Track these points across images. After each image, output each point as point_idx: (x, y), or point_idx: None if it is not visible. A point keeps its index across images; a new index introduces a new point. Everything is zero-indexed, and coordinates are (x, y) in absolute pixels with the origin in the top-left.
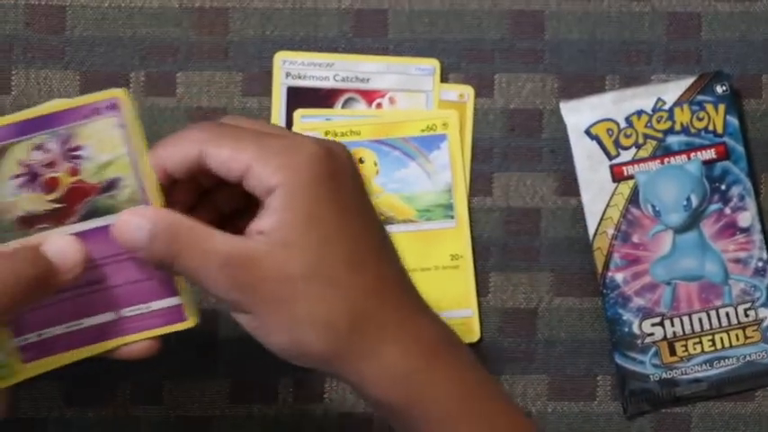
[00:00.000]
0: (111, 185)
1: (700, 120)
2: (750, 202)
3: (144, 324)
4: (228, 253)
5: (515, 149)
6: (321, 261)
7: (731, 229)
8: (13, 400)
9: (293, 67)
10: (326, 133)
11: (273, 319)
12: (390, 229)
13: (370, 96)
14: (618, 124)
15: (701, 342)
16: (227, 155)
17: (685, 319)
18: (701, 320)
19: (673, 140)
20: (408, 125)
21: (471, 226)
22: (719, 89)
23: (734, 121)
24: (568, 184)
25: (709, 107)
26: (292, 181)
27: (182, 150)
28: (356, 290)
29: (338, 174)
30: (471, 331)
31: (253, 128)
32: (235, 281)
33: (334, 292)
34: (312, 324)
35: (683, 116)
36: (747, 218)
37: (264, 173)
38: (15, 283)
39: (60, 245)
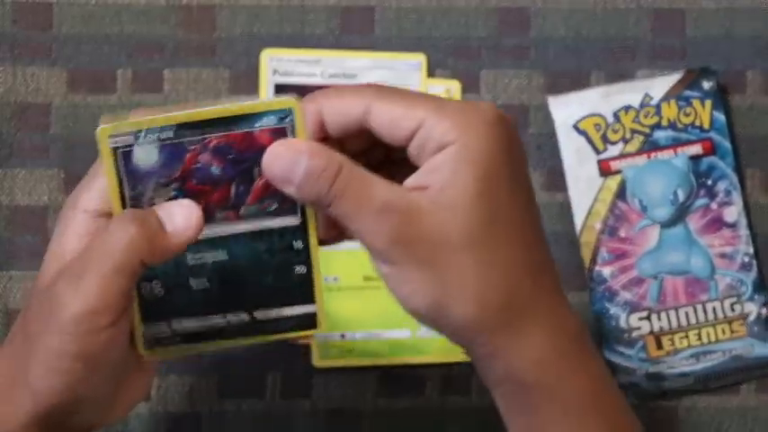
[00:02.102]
0: None
1: (686, 115)
2: (736, 197)
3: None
4: (390, 201)
5: None
6: (485, 232)
7: (717, 223)
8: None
9: (281, 64)
10: None
11: (420, 278)
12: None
13: None
14: (605, 119)
15: (687, 336)
16: (399, 112)
17: (672, 313)
18: (687, 315)
19: (660, 135)
20: None
21: None
22: (706, 85)
23: (720, 116)
24: (555, 180)
25: (696, 103)
26: (469, 140)
27: (347, 104)
28: (515, 267)
29: (512, 142)
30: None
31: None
32: (391, 231)
33: (493, 266)
34: (462, 291)
35: (669, 111)
36: (733, 213)
37: (440, 129)
38: (128, 241)
39: (172, 209)
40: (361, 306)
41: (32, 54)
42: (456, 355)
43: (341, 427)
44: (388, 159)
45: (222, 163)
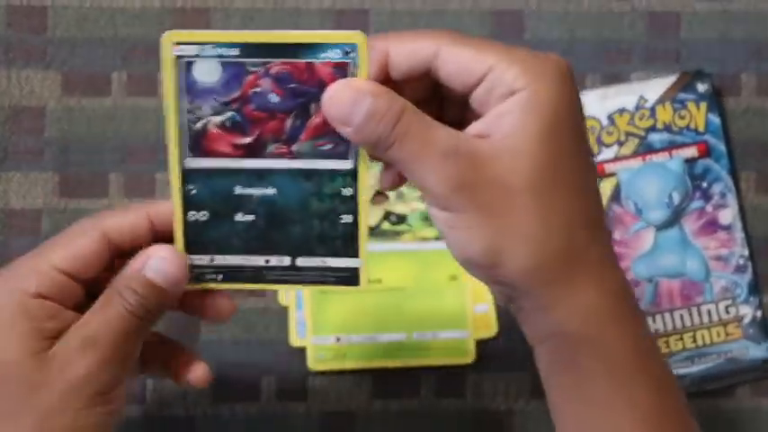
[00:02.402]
0: None
1: (681, 118)
2: (731, 200)
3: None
4: (455, 145)
5: None
6: (548, 180)
7: (713, 226)
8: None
9: None
10: None
11: (479, 223)
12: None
13: None
14: (600, 122)
15: (682, 339)
16: (469, 55)
17: (667, 315)
18: (682, 317)
19: (655, 138)
20: None
21: None
22: (701, 87)
23: (715, 119)
24: None
25: (691, 105)
26: (539, 88)
27: (418, 45)
28: (574, 217)
29: (577, 94)
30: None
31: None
32: (456, 175)
33: (554, 214)
34: (523, 238)
35: (664, 114)
36: (728, 215)
37: (510, 74)
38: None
39: (159, 267)
40: (357, 309)
41: (27, 57)
42: (451, 357)
43: (336, 429)
44: (440, 119)
45: (282, 92)
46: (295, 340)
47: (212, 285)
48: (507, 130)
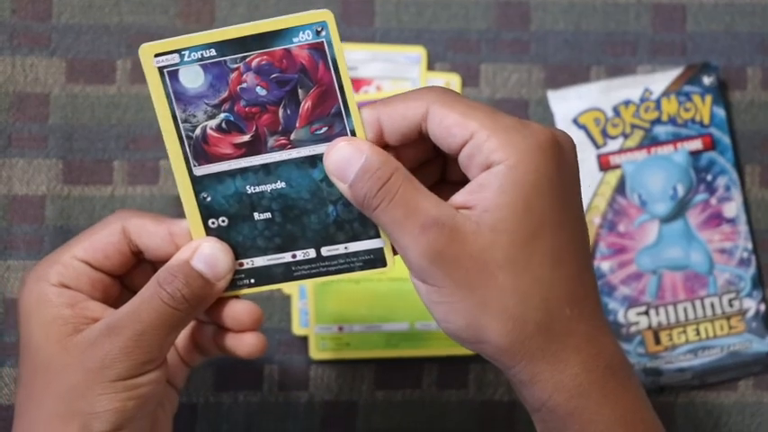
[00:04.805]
0: None
1: (687, 110)
2: (736, 193)
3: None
4: (437, 217)
5: None
6: (527, 255)
7: (717, 219)
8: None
9: None
10: None
11: (459, 298)
12: None
13: (357, 85)
14: (605, 114)
15: (685, 332)
16: (453, 119)
17: (670, 308)
18: (685, 310)
19: (660, 130)
20: None
21: None
22: (707, 80)
23: (720, 112)
24: None
25: (696, 98)
26: (517, 162)
27: (408, 107)
28: (555, 293)
29: (562, 165)
30: None
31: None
32: (434, 247)
33: (533, 289)
34: (500, 315)
35: (670, 106)
36: (733, 208)
37: (489, 145)
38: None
39: (209, 253)
40: (360, 298)
41: (31, 44)
42: (453, 348)
43: (338, 419)
44: (444, 178)
45: (267, 84)
46: (297, 329)
47: (246, 291)
48: (486, 204)
